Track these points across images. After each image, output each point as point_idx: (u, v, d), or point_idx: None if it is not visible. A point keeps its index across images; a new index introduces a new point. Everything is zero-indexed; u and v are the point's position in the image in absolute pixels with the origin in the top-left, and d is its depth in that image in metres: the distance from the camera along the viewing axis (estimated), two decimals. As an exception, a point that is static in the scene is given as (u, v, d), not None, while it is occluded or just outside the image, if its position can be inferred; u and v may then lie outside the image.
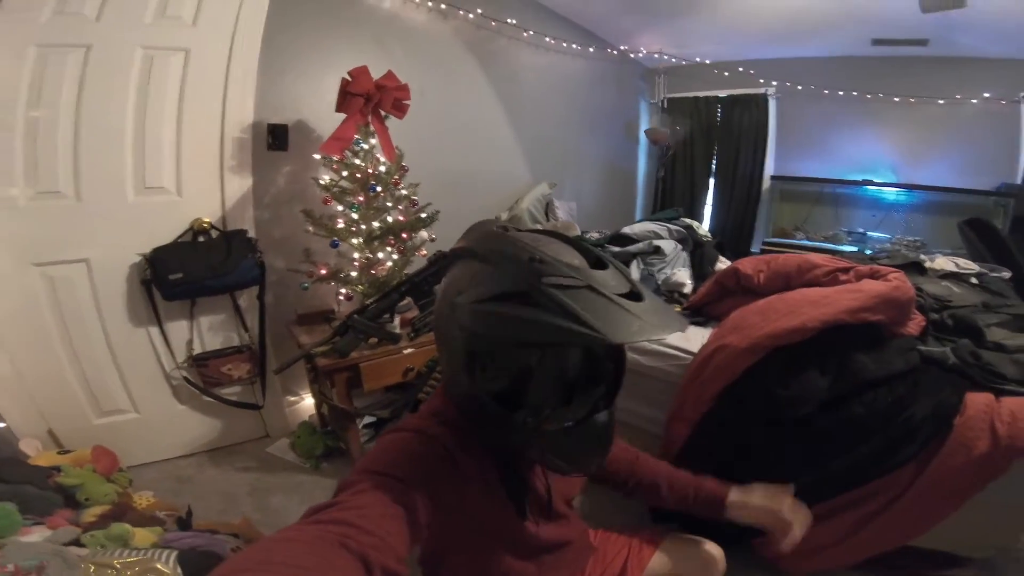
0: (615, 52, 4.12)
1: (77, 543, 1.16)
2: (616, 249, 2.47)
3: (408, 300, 1.95)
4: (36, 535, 1.15)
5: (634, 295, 0.61)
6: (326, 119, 2.03)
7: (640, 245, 2.43)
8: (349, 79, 1.90)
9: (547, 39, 3.44)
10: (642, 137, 4.77)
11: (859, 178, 3.98)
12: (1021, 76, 3.37)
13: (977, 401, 1.30)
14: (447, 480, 0.67)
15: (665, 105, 4.74)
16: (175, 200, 1.86)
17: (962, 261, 2.16)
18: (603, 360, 0.75)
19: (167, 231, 1.84)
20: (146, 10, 1.69)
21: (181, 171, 1.85)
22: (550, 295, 0.57)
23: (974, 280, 2.01)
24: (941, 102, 3.63)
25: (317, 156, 1.99)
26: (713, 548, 1.08)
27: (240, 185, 1.99)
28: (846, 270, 1.68)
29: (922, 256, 2.25)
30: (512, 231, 0.69)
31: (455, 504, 0.67)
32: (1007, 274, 2.11)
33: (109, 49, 1.65)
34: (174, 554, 1.14)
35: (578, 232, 3.02)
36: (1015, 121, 3.46)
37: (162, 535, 1.32)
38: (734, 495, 0.99)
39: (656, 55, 4.32)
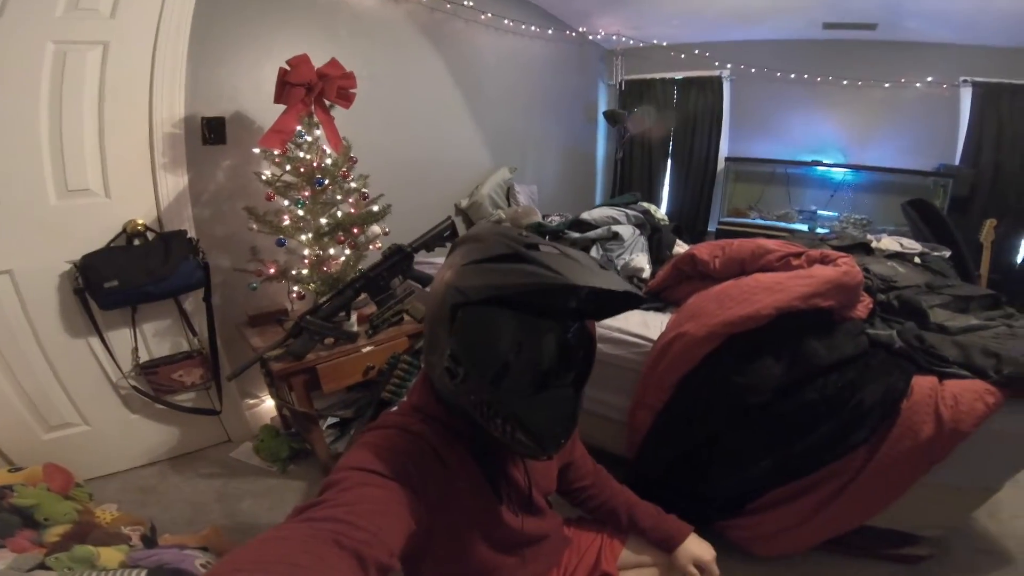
0: (573, 34, 4.06)
1: (42, 566, 1.12)
2: (575, 235, 2.46)
3: (364, 296, 1.90)
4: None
5: (601, 267, 0.70)
6: (267, 110, 1.92)
7: (599, 231, 2.43)
8: (288, 68, 1.79)
9: (505, 21, 3.35)
10: (601, 119, 4.76)
11: (809, 159, 4.10)
12: (961, 60, 3.50)
13: (923, 385, 1.35)
14: (432, 475, 0.68)
15: (623, 87, 4.73)
16: (103, 202, 1.73)
17: (906, 241, 2.26)
18: (574, 347, 0.75)
19: (97, 236, 1.72)
20: (56, 3, 1.54)
21: (107, 171, 1.72)
22: (529, 254, 0.65)
23: (917, 260, 2.10)
24: (887, 85, 3.75)
25: (257, 150, 1.88)
26: None
27: (175, 183, 1.87)
28: (798, 255, 1.72)
29: (869, 237, 2.33)
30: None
31: (440, 498, 0.68)
32: (947, 253, 2.21)
33: (14, 45, 1.50)
34: (143, 572, 1.13)
35: (539, 217, 3.00)
36: (954, 104, 3.61)
37: (129, 553, 1.28)
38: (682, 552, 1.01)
39: (614, 37, 4.29)
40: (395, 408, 0.82)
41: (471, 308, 0.67)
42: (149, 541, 1.47)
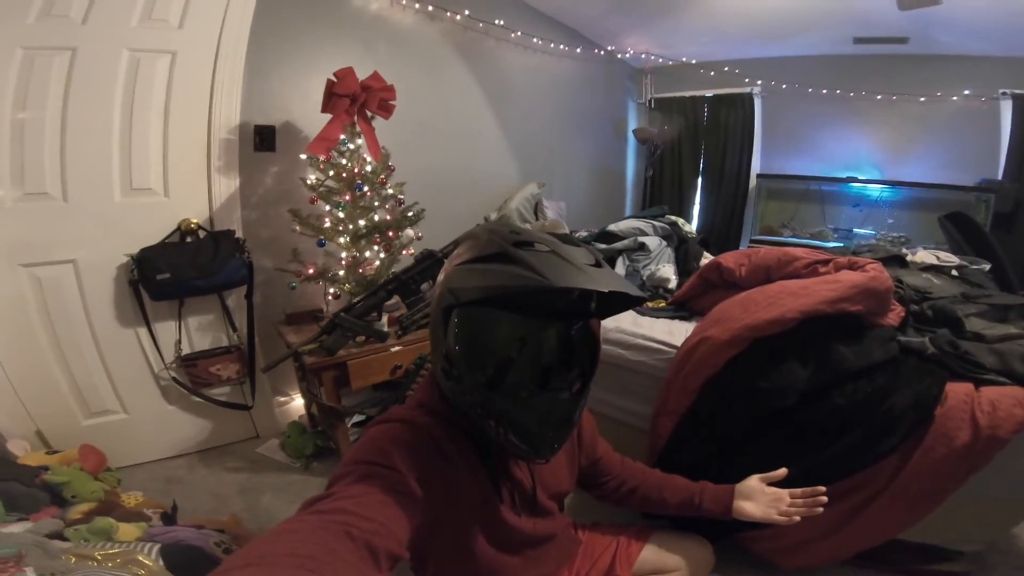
0: (602, 52, 4.14)
1: (61, 537, 1.14)
2: (602, 246, 2.48)
3: (396, 299, 1.97)
4: (19, 527, 1.13)
5: (596, 265, 0.67)
6: (313, 120, 2.05)
7: (626, 242, 2.45)
8: (335, 80, 1.92)
9: (535, 40, 3.46)
10: (630, 137, 4.80)
11: (844, 175, 4.02)
12: (1000, 73, 3.41)
13: (958, 391, 1.30)
14: (434, 468, 0.68)
15: (652, 105, 4.77)
16: (162, 201, 1.87)
17: (943, 254, 2.19)
18: (576, 345, 0.75)
19: (154, 232, 1.85)
20: (132, 13, 1.70)
21: (168, 172, 1.86)
22: (517, 254, 0.64)
23: (954, 272, 2.04)
24: (922, 99, 3.68)
25: (303, 156, 2.01)
26: (701, 543, 1.11)
27: (227, 186, 2.00)
28: (825, 262, 1.70)
29: (904, 250, 2.28)
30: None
31: (442, 492, 0.68)
32: (987, 266, 2.13)
33: (95, 52, 1.66)
34: (156, 547, 1.13)
35: (566, 230, 3.04)
36: (995, 117, 3.51)
37: (146, 529, 1.31)
38: (738, 498, 1.01)
39: (643, 55, 4.35)
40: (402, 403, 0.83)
41: (463, 309, 0.68)
42: (169, 519, 1.51)
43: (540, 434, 0.72)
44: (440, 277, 0.73)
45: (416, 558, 0.76)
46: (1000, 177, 3.48)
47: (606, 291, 0.63)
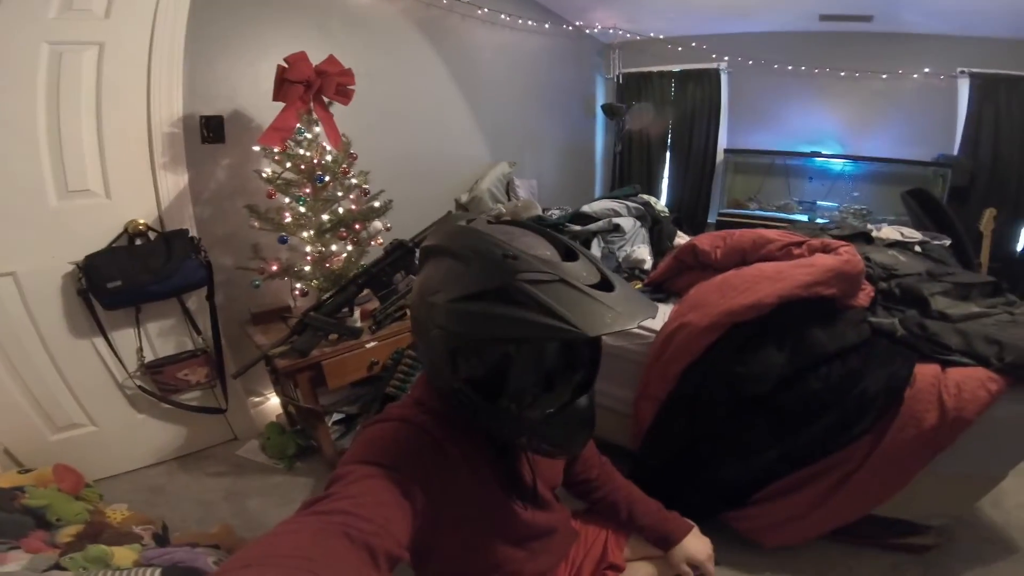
0: (570, 28, 4.05)
1: (57, 567, 1.12)
2: (576, 228, 2.46)
3: (367, 292, 1.90)
4: (13, 563, 1.10)
5: (605, 283, 0.61)
6: (265, 108, 1.91)
7: (600, 223, 2.43)
8: (286, 66, 1.79)
9: (502, 16, 3.34)
10: (599, 113, 4.75)
11: (808, 150, 4.09)
12: (958, 51, 3.50)
13: (926, 373, 1.36)
14: (435, 467, 0.68)
15: (620, 80, 4.72)
16: (104, 203, 1.73)
17: (906, 230, 2.26)
18: (581, 349, 0.75)
19: (99, 236, 1.72)
20: (49, 4, 1.54)
21: (107, 171, 1.72)
22: (525, 291, 0.58)
23: (918, 248, 2.10)
24: (884, 76, 3.75)
25: (257, 148, 1.88)
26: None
27: (175, 182, 1.87)
28: (799, 244, 1.73)
29: (869, 226, 2.34)
30: (483, 225, 0.69)
31: (444, 490, 0.68)
32: (947, 241, 2.22)
33: (9, 47, 1.50)
34: (157, 571, 1.14)
35: (539, 210, 3.00)
36: (952, 95, 3.61)
37: (142, 552, 1.30)
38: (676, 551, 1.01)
39: (611, 30, 4.27)
40: (399, 401, 0.81)
41: (471, 347, 0.67)
42: (161, 540, 1.49)
43: (569, 438, 0.73)
44: (431, 305, 0.65)
45: (418, 556, 0.74)
46: (956, 152, 3.60)
47: (634, 327, 0.58)
